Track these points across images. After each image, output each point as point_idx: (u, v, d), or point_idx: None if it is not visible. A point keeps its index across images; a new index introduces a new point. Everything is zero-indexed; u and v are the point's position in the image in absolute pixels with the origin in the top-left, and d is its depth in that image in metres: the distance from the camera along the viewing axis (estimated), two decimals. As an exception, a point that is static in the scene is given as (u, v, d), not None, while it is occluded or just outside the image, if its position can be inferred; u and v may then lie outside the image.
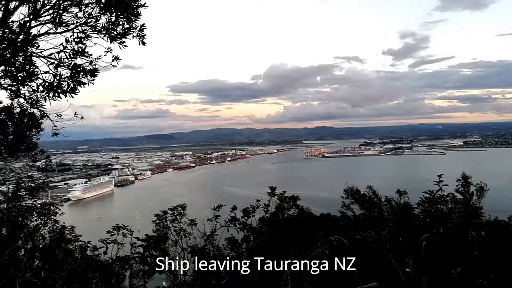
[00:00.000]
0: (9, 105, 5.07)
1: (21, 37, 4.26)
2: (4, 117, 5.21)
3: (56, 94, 4.46)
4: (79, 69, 4.35)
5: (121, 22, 4.44)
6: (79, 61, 4.40)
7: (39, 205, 6.98)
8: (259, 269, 5.77)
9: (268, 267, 5.61)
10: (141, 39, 4.61)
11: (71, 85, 4.39)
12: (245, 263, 6.10)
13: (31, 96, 4.75)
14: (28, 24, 4.20)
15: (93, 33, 4.44)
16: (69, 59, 4.34)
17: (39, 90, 4.58)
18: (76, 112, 4.93)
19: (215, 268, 5.98)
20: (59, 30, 4.35)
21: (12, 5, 4.16)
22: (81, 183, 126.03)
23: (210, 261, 6.02)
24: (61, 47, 4.32)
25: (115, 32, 4.47)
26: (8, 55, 4.32)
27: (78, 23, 4.37)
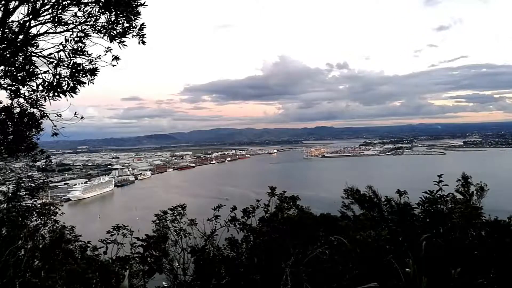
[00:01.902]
0: (9, 105, 5.05)
1: (20, 37, 4.25)
2: (4, 117, 5.20)
3: (56, 94, 4.45)
4: (78, 68, 4.34)
5: (120, 21, 4.43)
6: (78, 60, 4.39)
7: (39, 205, 6.96)
8: (259, 269, 5.76)
9: (268, 267, 5.60)
10: (141, 38, 4.60)
11: (71, 85, 4.38)
12: (245, 263, 6.11)
13: (31, 96, 4.75)
14: (27, 23, 4.20)
15: (93, 33, 4.43)
16: (69, 59, 4.33)
17: (39, 90, 4.57)
18: (76, 112, 4.93)
19: (215, 268, 5.98)
20: (58, 29, 4.34)
21: (12, 5, 4.15)
22: (81, 183, 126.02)
23: (210, 261, 6.03)
24: (61, 47, 4.31)
25: (114, 31, 4.46)
26: (8, 55, 4.31)
27: (77, 23, 4.36)
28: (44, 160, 7.03)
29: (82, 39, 4.36)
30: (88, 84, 4.48)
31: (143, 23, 4.53)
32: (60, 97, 4.47)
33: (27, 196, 7.04)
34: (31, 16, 4.17)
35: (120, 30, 4.48)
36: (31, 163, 7.56)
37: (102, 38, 4.46)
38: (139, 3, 4.40)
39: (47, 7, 4.22)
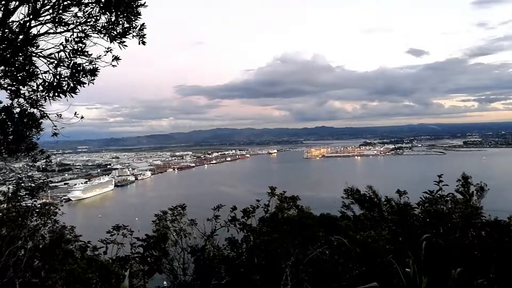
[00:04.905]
0: (9, 105, 5.05)
1: (21, 37, 4.25)
2: (4, 117, 5.19)
3: (56, 94, 4.45)
4: (79, 68, 4.34)
5: (121, 22, 4.44)
6: (79, 60, 4.40)
7: (39, 205, 6.96)
8: (259, 269, 5.77)
9: (268, 267, 5.61)
10: (141, 39, 4.61)
11: (71, 85, 4.38)
12: (245, 263, 6.11)
13: (31, 96, 4.75)
14: (28, 24, 4.20)
15: (93, 33, 4.43)
16: (69, 59, 4.33)
17: (39, 90, 4.57)
18: (76, 112, 4.93)
19: (215, 268, 5.99)
20: (59, 29, 4.34)
21: (12, 5, 4.16)
22: (81, 183, 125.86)
23: (210, 261, 6.03)
24: (61, 47, 4.31)
25: (115, 32, 4.47)
26: (8, 55, 4.31)
27: (78, 23, 4.36)
28: (44, 160, 7.02)
29: (83, 39, 4.36)
30: (88, 84, 4.48)
31: (143, 23, 4.54)
32: (60, 97, 4.48)
33: (27, 196, 7.04)
34: (31, 16, 4.17)
35: (121, 30, 4.48)
36: (31, 163, 7.56)
37: (102, 38, 4.47)
38: (139, 4, 4.40)
39: (48, 7, 4.22)
